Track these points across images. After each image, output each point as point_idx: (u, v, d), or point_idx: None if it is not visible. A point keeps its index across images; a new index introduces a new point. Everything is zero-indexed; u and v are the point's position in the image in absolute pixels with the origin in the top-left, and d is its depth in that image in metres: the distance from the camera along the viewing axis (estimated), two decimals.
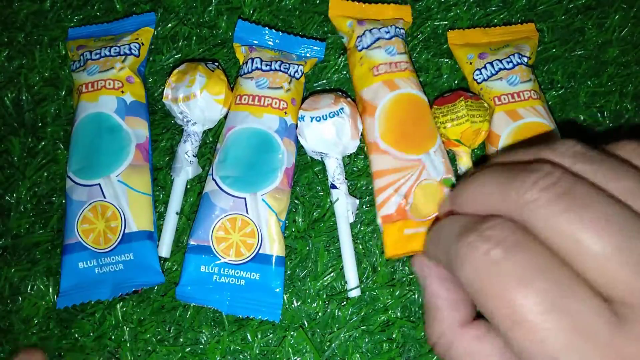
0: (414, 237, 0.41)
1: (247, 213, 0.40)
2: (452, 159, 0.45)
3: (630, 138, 0.21)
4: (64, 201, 0.43)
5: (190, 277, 0.40)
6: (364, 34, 0.45)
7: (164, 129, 0.46)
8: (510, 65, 0.45)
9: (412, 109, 0.43)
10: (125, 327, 0.41)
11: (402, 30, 0.46)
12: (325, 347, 0.40)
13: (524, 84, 0.44)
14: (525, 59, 0.45)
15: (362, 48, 0.45)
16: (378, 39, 0.45)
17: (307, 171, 0.44)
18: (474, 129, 0.42)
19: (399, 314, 0.41)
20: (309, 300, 0.41)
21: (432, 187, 0.41)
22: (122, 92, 0.43)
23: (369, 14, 0.48)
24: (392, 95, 0.43)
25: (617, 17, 0.49)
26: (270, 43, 0.47)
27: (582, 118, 0.46)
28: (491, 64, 0.45)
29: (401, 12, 0.48)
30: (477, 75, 0.45)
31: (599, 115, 0.47)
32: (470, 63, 0.46)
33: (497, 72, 0.45)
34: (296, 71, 0.45)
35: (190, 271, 0.40)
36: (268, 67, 0.44)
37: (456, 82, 0.47)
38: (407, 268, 0.42)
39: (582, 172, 0.19)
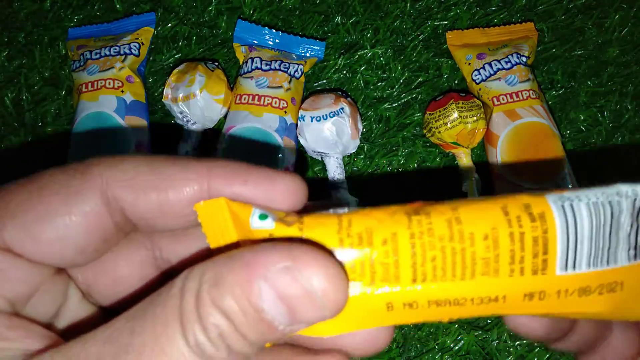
0: None
1: None
2: (453, 158, 0.44)
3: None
4: None
5: None
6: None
7: (164, 129, 0.46)
8: (509, 65, 0.45)
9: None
10: None
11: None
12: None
13: (522, 83, 0.44)
14: (524, 59, 0.45)
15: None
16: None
17: (307, 171, 0.44)
18: (469, 129, 0.42)
19: None
20: None
21: None
22: (122, 91, 0.43)
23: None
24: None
25: (617, 17, 0.49)
26: (270, 43, 0.47)
27: (582, 118, 0.46)
28: (490, 64, 0.45)
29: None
30: (476, 75, 0.45)
31: (599, 115, 0.47)
32: (469, 63, 0.46)
33: (495, 72, 0.45)
34: (296, 70, 0.45)
35: None
36: (268, 67, 0.44)
37: (456, 82, 0.47)
38: None
39: None
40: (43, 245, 0.17)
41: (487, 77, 0.45)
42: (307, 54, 0.47)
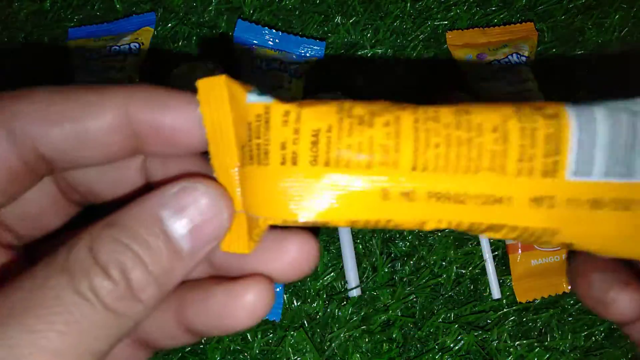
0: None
1: None
2: None
3: None
4: None
5: None
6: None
7: None
8: (509, 65, 0.45)
9: None
10: None
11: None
12: (325, 347, 0.40)
13: (522, 83, 0.44)
14: (524, 59, 0.45)
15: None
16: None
17: None
18: None
19: (399, 313, 0.41)
20: (309, 300, 0.41)
21: None
22: None
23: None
24: None
25: (617, 17, 0.49)
26: (270, 43, 0.47)
27: None
28: (490, 64, 0.45)
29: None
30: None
31: None
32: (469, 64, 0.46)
33: (493, 74, 0.45)
34: (296, 70, 0.45)
35: None
36: (268, 67, 0.44)
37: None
38: (407, 268, 0.42)
39: None
40: None
41: (487, 78, 0.45)
42: (307, 54, 0.47)
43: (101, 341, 0.15)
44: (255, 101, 0.16)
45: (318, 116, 0.15)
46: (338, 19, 0.49)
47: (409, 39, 0.49)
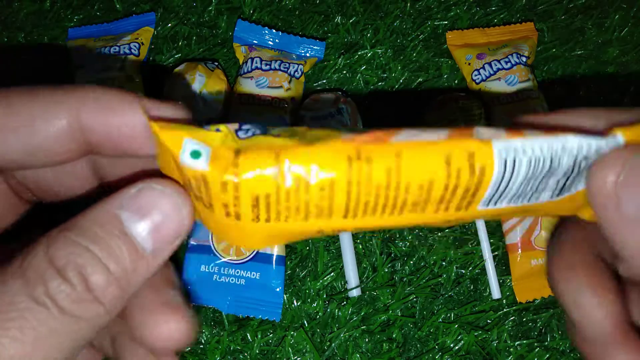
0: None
1: None
2: None
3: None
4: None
5: (190, 277, 0.40)
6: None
7: None
8: (509, 65, 0.45)
9: None
10: None
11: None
12: (325, 347, 0.40)
13: (522, 83, 0.44)
14: (524, 59, 0.45)
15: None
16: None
17: None
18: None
19: (399, 313, 0.41)
20: (309, 300, 0.41)
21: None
22: None
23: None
24: None
25: (617, 17, 0.49)
26: (270, 43, 0.47)
27: None
28: (489, 64, 0.45)
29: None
30: (476, 75, 0.45)
31: None
32: (469, 64, 0.46)
33: (495, 72, 0.45)
34: (296, 70, 0.45)
35: (190, 271, 0.40)
36: (268, 67, 0.44)
37: (456, 82, 0.47)
38: (407, 268, 0.42)
39: None
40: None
41: (487, 77, 0.45)
42: (307, 54, 0.47)
43: (60, 349, 0.14)
44: (189, 165, 0.15)
45: (256, 185, 0.16)
46: (338, 19, 0.49)
47: (409, 39, 0.49)
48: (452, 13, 0.49)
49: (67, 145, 0.17)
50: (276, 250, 0.40)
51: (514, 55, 0.45)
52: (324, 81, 0.47)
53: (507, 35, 0.48)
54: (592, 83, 0.47)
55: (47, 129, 0.16)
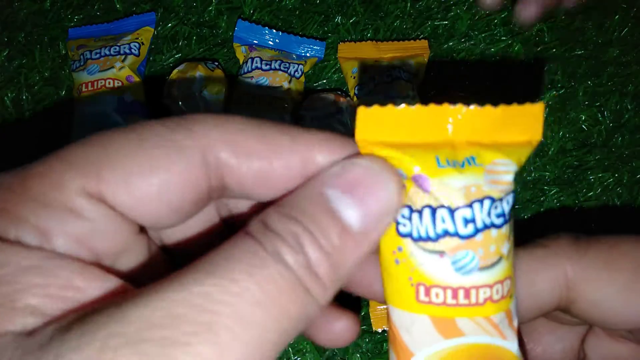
0: None
1: None
2: None
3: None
4: None
5: None
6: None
7: None
8: (389, 79, 0.44)
9: None
10: None
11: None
12: (325, 347, 0.40)
13: (401, 99, 0.42)
14: (405, 75, 0.44)
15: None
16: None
17: None
18: None
19: None
20: None
21: None
22: (122, 91, 0.43)
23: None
24: None
25: (617, 17, 0.49)
26: (270, 43, 0.47)
27: (582, 118, 0.46)
28: (372, 78, 0.44)
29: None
30: (358, 89, 0.44)
31: (599, 114, 0.47)
32: (354, 77, 0.45)
33: (376, 86, 0.44)
34: (296, 70, 0.45)
35: None
36: (268, 67, 0.44)
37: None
38: None
39: None
40: (140, 201, 0.16)
41: (369, 92, 0.44)
42: (307, 54, 0.47)
43: (288, 321, 0.14)
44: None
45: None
46: (338, 19, 0.49)
47: (409, 39, 0.48)
48: (452, 13, 0.49)
49: (295, 180, 0.17)
50: None
51: (396, 70, 0.44)
52: (324, 81, 0.47)
53: (399, 52, 0.47)
54: (592, 83, 0.47)
55: (285, 163, 0.17)
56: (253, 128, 0.17)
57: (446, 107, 0.17)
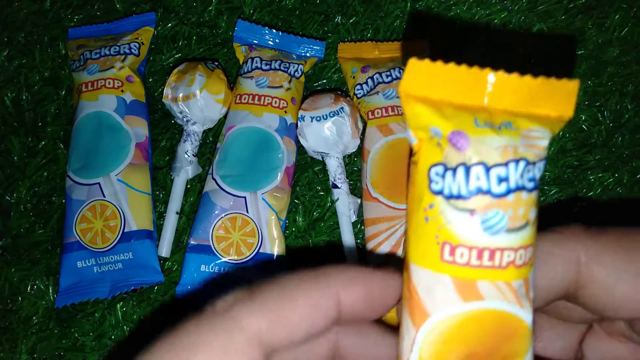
0: None
1: (247, 212, 0.40)
2: None
3: None
4: (64, 201, 0.42)
5: (191, 277, 0.40)
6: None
7: (164, 129, 0.46)
8: (389, 79, 0.44)
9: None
10: (125, 326, 0.40)
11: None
12: None
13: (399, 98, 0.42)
14: None
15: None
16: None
17: (307, 171, 0.44)
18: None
19: None
20: None
21: None
22: (122, 91, 0.43)
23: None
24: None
25: (617, 17, 0.49)
26: (270, 42, 0.47)
27: (582, 118, 0.46)
28: (372, 77, 0.44)
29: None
30: (358, 90, 0.44)
31: (599, 114, 0.47)
32: (354, 77, 0.45)
33: (375, 86, 0.44)
34: (296, 70, 0.45)
35: (190, 270, 0.40)
36: (268, 67, 0.44)
37: None
38: None
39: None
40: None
41: (368, 92, 0.44)
42: (307, 54, 0.47)
43: None
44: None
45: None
46: (338, 19, 0.49)
47: (409, 39, 0.48)
48: (452, 13, 0.49)
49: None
50: (276, 251, 0.40)
51: (397, 69, 0.44)
52: (324, 81, 0.47)
53: (398, 52, 0.46)
54: (592, 83, 0.47)
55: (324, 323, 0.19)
56: (281, 296, 0.19)
57: (488, 71, 0.18)
